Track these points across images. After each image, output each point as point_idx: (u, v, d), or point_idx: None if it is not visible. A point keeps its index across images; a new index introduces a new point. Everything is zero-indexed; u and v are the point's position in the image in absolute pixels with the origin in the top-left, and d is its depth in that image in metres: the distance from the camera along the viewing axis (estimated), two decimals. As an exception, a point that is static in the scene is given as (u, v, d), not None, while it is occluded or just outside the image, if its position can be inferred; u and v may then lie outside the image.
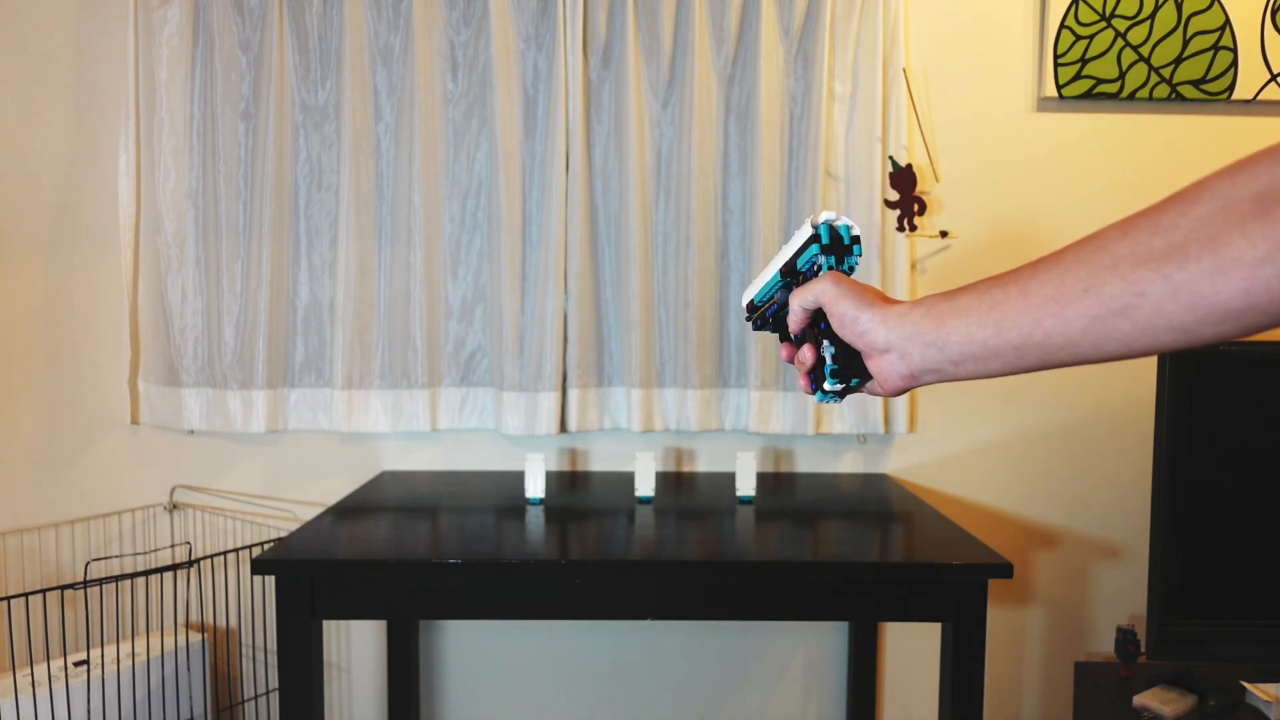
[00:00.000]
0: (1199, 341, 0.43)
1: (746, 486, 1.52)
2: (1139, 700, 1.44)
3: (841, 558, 1.20)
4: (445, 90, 1.70)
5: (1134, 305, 0.44)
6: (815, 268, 0.66)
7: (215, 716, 1.71)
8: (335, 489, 1.80)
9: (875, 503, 1.53)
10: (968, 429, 1.80)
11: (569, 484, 1.66)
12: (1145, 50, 1.71)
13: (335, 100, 1.70)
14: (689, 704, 1.83)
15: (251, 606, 1.80)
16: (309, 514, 1.80)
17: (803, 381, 0.69)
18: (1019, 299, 0.50)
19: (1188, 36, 1.70)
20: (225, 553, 1.57)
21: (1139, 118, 1.76)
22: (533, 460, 1.50)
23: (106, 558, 1.67)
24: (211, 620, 1.79)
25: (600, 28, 1.68)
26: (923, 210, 1.70)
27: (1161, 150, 1.77)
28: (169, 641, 1.61)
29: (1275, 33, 1.71)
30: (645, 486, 1.51)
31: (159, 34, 1.67)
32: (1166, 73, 1.71)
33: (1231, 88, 1.71)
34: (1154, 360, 1.73)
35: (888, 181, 1.70)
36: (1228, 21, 1.70)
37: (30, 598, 1.78)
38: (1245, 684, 1.45)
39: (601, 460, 1.81)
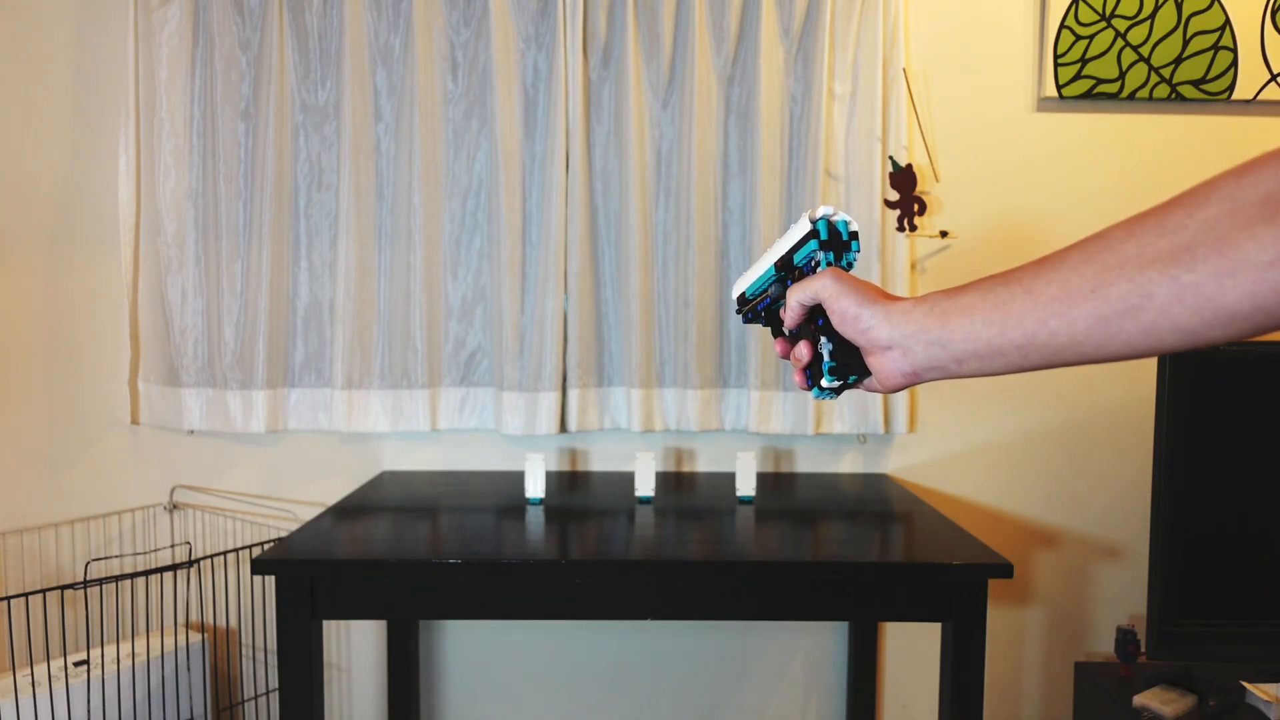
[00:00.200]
0: (1205, 343, 0.43)
1: (746, 486, 1.52)
2: (1139, 700, 1.44)
3: (841, 558, 1.20)
4: (445, 90, 1.70)
5: (1140, 306, 0.44)
6: (813, 263, 0.65)
7: (215, 716, 1.71)
8: (335, 489, 1.80)
9: (875, 503, 1.53)
10: (968, 429, 1.80)
11: (569, 484, 1.66)
12: (1145, 50, 1.71)
13: (335, 100, 1.70)
14: (689, 704, 1.83)
15: (251, 606, 1.80)
16: (309, 514, 1.80)
17: (798, 378, 0.68)
18: (1024, 298, 0.50)
19: (1188, 36, 1.70)
20: (225, 553, 1.57)
21: (1139, 118, 1.76)
22: (533, 460, 1.50)
23: (106, 558, 1.67)
24: (211, 620, 1.79)
25: (600, 28, 1.68)
26: (923, 210, 1.70)
27: (1161, 150, 1.77)
28: (169, 641, 1.61)
29: (1275, 33, 1.71)
30: (645, 486, 1.51)
31: (159, 34, 1.67)
32: (1166, 73, 1.71)
33: (1231, 88, 1.71)
34: (1154, 360, 1.73)
35: (888, 181, 1.70)
36: (1228, 21, 1.70)
37: (30, 598, 1.78)
38: (1245, 684, 1.45)
39: (601, 460, 1.81)
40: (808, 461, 1.80)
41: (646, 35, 1.68)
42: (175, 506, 1.79)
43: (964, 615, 1.21)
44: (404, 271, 1.71)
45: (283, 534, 1.78)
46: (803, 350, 0.65)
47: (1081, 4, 1.70)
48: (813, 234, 0.65)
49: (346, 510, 1.45)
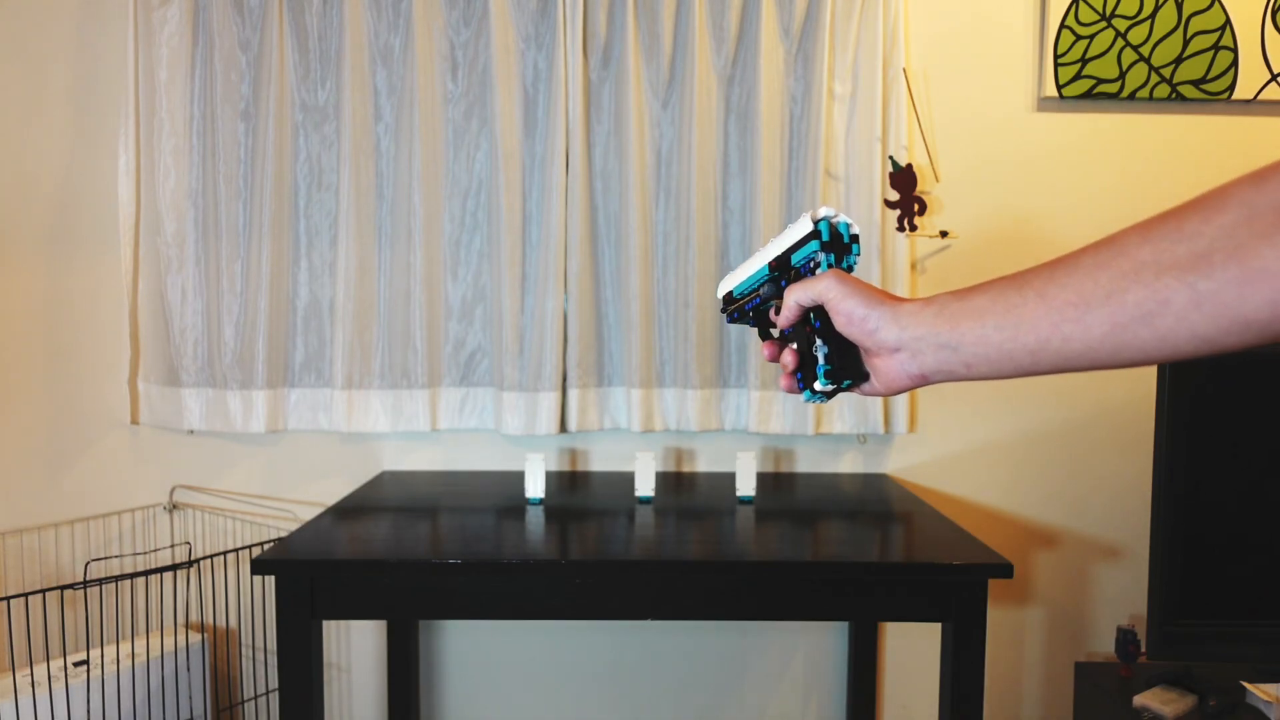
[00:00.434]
0: (1220, 350, 0.43)
1: (746, 486, 1.52)
2: (1139, 700, 1.44)
3: (841, 558, 1.20)
4: (445, 90, 1.70)
5: (1156, 313, 0.43)
6: (813, 265, 0.64)
7: (215, 716, 1.71)
8: (335, 489, 1.80)
9: (875, 503, 1.53)
10: (968, 429, 1.80)
11: (569, 484, 1.66)
12: (1145, 50, 1.70)
13: (335, 100, 1.70)
14: (689, 704, 1.83)
15: (251, 606, 1.80)
16: (309, 514, 1.80)
17: (785, 381, 0.67)
18: (1037, 302, 0.49)
19: (1188, 36, 1.70)
20: (225, 553, 1.57)
21: (1139, 118, 1.76)
22: (533, 460, 1.50)
23: (106, 558, 1.67)
24: (211, 620, 1.79)
25: (600, 28, 1.68)
26: (923, 210, 1.70)
27: (1161, 150, 1.76)
28: (169, 641, 1.60)
29: (1275, 33, 1.71)
30: (645, 486, 1.51)
31: (159, 34, 1.67)
32: (1166, 73, 1.71)
33: (1232, 88, 1.71)
34: (1154, 360, 1.73)
35: (888, 181, 1.70)
36: (1228, 21, 1.70)
37: (30, 598, 1.78)
38: (1245, 684, 1.45)
39: (601, 460, 1.81)
40: (808, 461, 1.80)
41: (646, 35, 1.68)
42: (175, 506, 1.79)
43: (964, 615, 1.21)
44: (404, 271, 1.71)
45: (283, 534, 1.78)
46: (788, 356, 0.64)
47: (1081, 4, 1.70)
48: (814, 234, 0.64)
49: (346, 510, 1.45)
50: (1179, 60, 1.71)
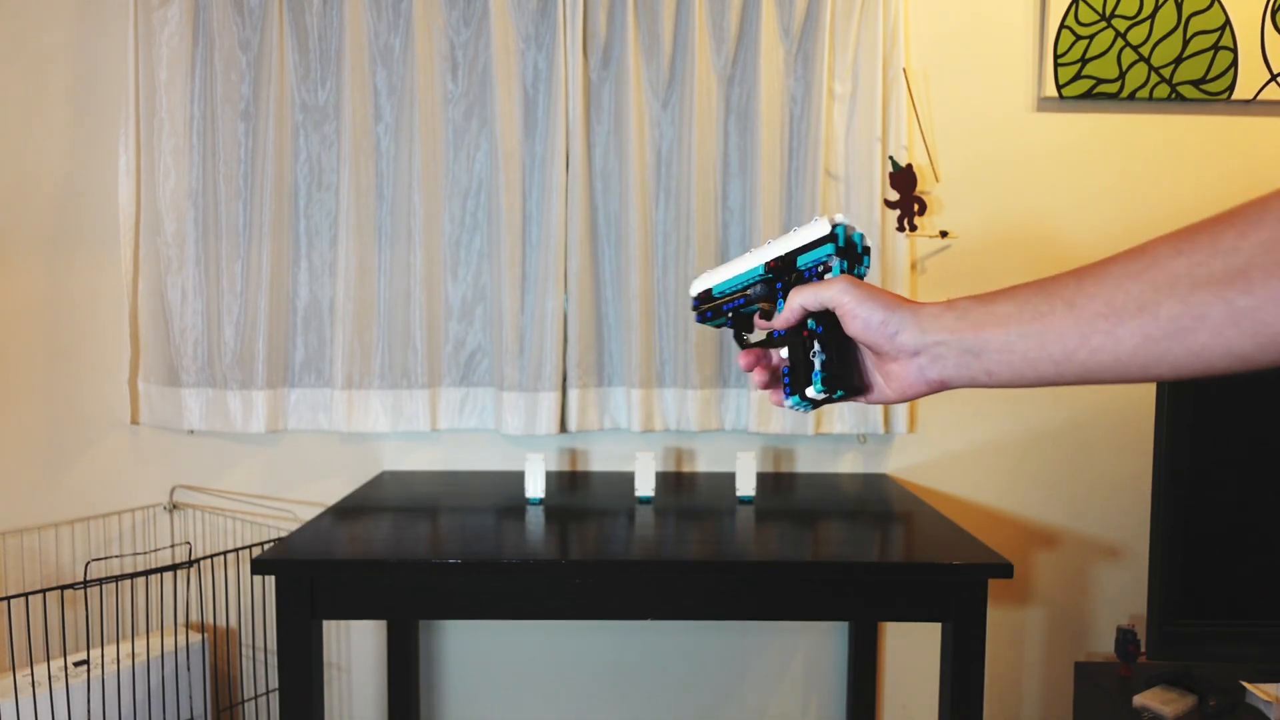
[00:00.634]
0: (1255, 367, 0.42)
1: (746, 486, 1.52)
2: (1139, 700, 1.44)
3: (841, 558, 1.20)
4: (445, 90, 1.70)
5: (1191, 329, 0.42)
6: (822, 269, 0.63)
7: (215, 716, 1.71)
8: (335, 489, 1.80)
9: (875, 503, 1.53)
10: (968, 429, 1.80)
11: (569, 484, 1.66)
12: (1145, 50, 1.70)
13: (335, 100, 1.70)
14: (689, 704, 1.83)
15: (251, 606, 1.80)
16: (309, 514, 1.80)
17: (759, 377, 0.66)
18: (1065, 311, 0.48)
19: (1188, 36, 1.70)
20: (225, 553, 1.57)
21: (1139, 118, 1.76)
22: (533, 460, 1.50)
23: (106, 558, 1.67)
24: (211, 620, 1.79)
25: (600, 28, 1.68)
26: (923, 210, 1.70)
27: (1161, 150, 1.76)
28: (169, 641, 1.60)
29: (1275, 33, 1.71)
30: (645, 486, 1.51)
31: (159, 34, 1.67)
32: (1166, 73, 1.71)
33: (1231, 88, 1.71)
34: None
35: (888, 181, 1.70)
36: (1228, 21, 1.70)
37: (30, 598, 1.78)
38: (1245, 684, 1.45)
39: (601, 460, 1.81)
40: (808, 461, 1.80)
41: (646, 35, 1.68)
42: (175, 506, 1.79)
43: (964, 615, 1.21)
44: (404, 271, 1.71)
45: (283, 534, 1.78)
46: (773, 360, 0.63)
47: (1081, 4, 1.70)
48: (830, 238, 0.62)
49: (346, 510, 1.45)
50: (1179, 60, 1.71)
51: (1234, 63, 1.71)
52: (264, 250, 1.67)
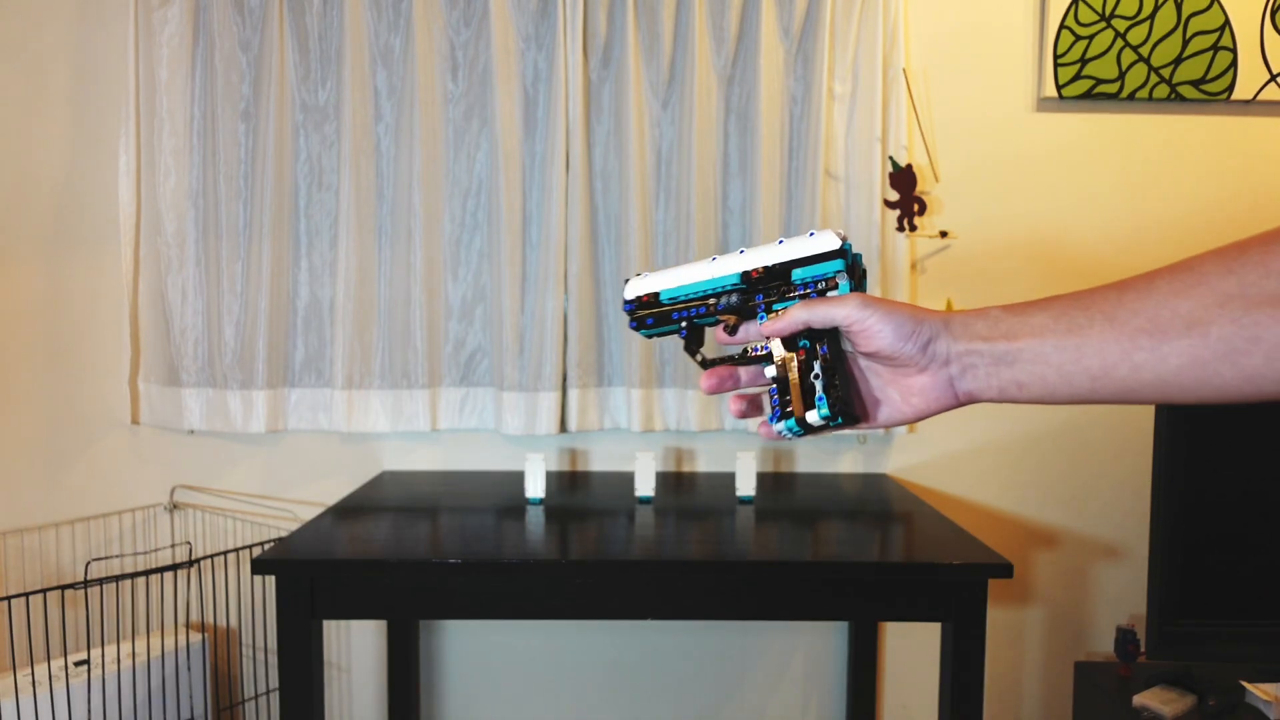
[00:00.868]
0: None
1: (746, 486, 1.52)
2: (1139, 700, 1.44)
3: (841, 558, 1.20)
4: (445, 90, 1.70)
5: (1244, 351, 0.41)
6: (824, 285, 0.59)
7: (215, 716, 1.71)
8: (335, 489, 1.80)
9: (875, 503, 1.53)
10: (968, 429, 1.80)
11: (569, 484, 1.66)
12: (1145, 50, 1.71)
13: (335, 100, 1.70)
14: (689, 704, 1.83)
15: (251, 606, 1.80)
16: (309, 514, 1.80)
17: (738, 405, 0.61)
18: (1105, 325, 0.46)
19: (1187, 36, 1.70)
20: (225, 553, 1.57)
21: (1139, 118, 1.76)
22: (533, 460, 1.50)
23: (107, 558, 1.67)
24: (211, 620, 1.79)
25: (600, 28, 1.68)
26: (923, 210, 1.71)
27: (1161, 150, 1.77)
28: (169, 641, 1.61)
29: (1275, 33, 1.71)
30: (645, 486, 1.51)
31: (159, 34, 1.67)
32: (1166, 73, 1.71)
33: (1231, 88, 1.71)
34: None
35: (888, 181, 1.70)
36: (1227, 21, 1.70)
37: (30, 598, 1.78)
38: (1245, 684, 1.45)
39: (601, 460, 1.81)
40: (808, 461, 1.80)
41: (646, 35, 1.68)
42: (175, 506, 1.79)
43: (964, 615, 1.21)
44: (404, 271, 1.71)
45: (283, 534, 1.78)
46: (744, 376, 0.60)
47: (1081, 4, 1.70)
48: (839, 254, 0.58)
49: (346, 510, 1.45)
50: (1178, 60, 1.71)
51: (1233, 63, 1.71)
52: (264, 250, 1.67)
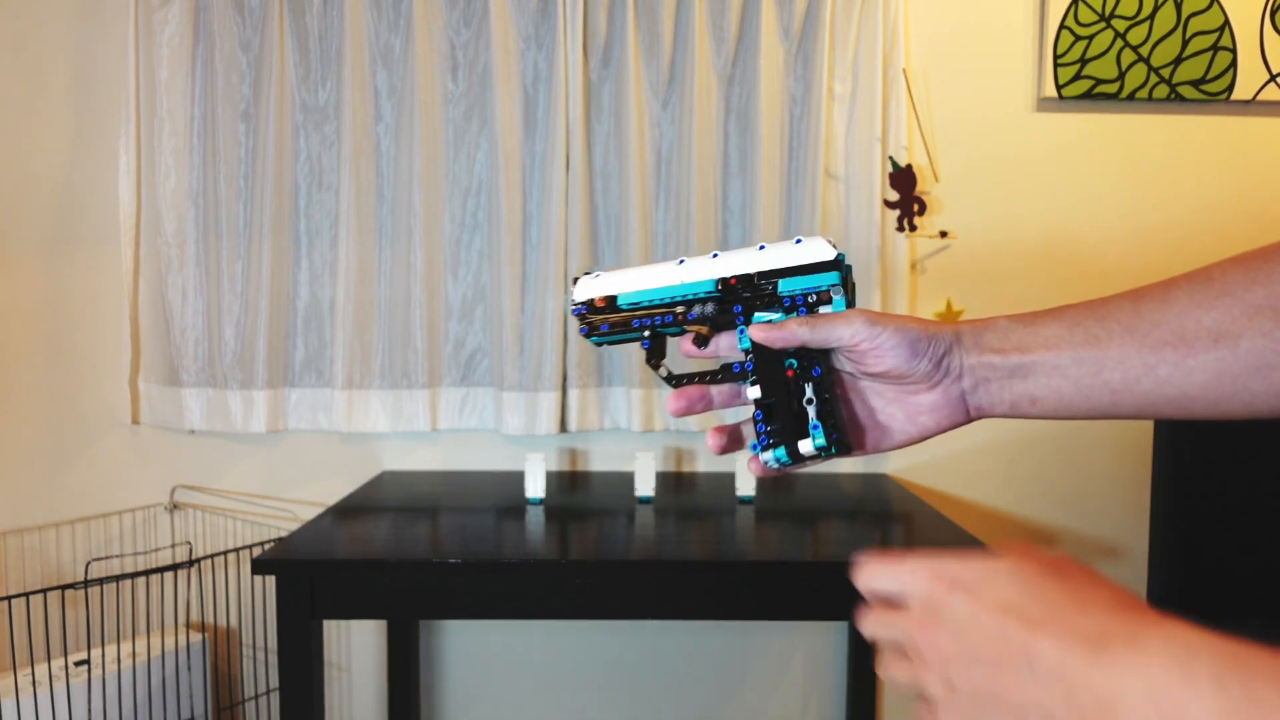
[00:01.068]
0: None
1: (746, 486, 1.52)
2: (1139, 700, 1.44)
3: (841, 558, 1.20)
4: (445, 90, 1.70)
5: (1276, 365, 0.39)
6: (816, 299, 0.54)
7: (215, 716, 1.71)
8: (335, 489, 1.80)
9: (875, 503, 1.53)
10: (968, 429, 1.79)
11: (569, 484, 1.66)
12: (1145, 50, 1.71)
13: (335, 100, 1.70)
14: (689, 704, 1.83)
15: (251, 606, 1.80)
16: (309, 514, 1.80)
17: (717, 440, 0.55)
18: (1125, 337, 0.43)
19: (1187, 37, 1.70)
20: (225, 553, 1.57)
21: (1139, 118, 1.76)
22: (533, 460, 1.50)
23: (107, 557, 1.67)
24: (211, 620, 1.79)
25: (600, 28, 1.68)
26: (923, 210, 1.71)
27: (1161, 150, 1.77)
28: (169, 641, 1.61)
29: (1275, 33, 1.71)
30: (645, 486, 1.51)
31: (159, 34, 1.67)
32: (1166, 73, 1.71)
33: (1231, 88, 1.71)
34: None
35: (888, 181, 1.70)
36: (1227, 22, 1.70)
37: (30, 598, 1.78)
38: (1245, 684, 1.45)
39: (601, 460, 1.81)
40: (808, 461, 1.80)
41: (646, 35, 1.68)
42: (175, 506, 1.79)
43: (964, 615, 1.21)
44: (404, 271, 1.71)
45: (283, 534, 1.78)
46: (721, 395, 0.55)
47: (1081, 4, 1.70)
48: (834, 265, 0.53)
49: (346, 510, 1.45)
50: (1178, 61, 1.71)
51: (1233, 63, 1.71)
52: (264, 250, 1.67)
